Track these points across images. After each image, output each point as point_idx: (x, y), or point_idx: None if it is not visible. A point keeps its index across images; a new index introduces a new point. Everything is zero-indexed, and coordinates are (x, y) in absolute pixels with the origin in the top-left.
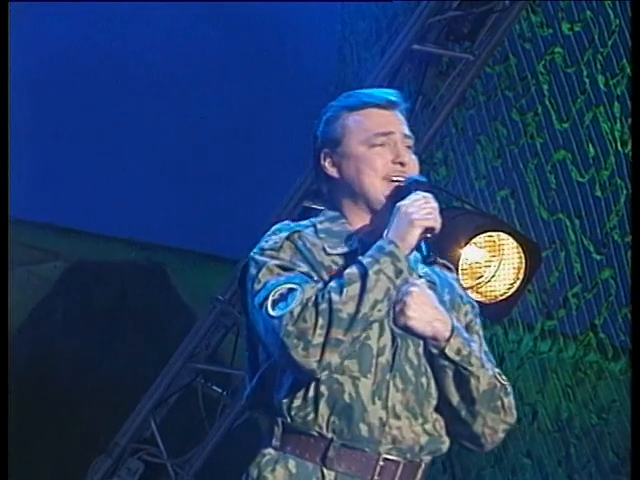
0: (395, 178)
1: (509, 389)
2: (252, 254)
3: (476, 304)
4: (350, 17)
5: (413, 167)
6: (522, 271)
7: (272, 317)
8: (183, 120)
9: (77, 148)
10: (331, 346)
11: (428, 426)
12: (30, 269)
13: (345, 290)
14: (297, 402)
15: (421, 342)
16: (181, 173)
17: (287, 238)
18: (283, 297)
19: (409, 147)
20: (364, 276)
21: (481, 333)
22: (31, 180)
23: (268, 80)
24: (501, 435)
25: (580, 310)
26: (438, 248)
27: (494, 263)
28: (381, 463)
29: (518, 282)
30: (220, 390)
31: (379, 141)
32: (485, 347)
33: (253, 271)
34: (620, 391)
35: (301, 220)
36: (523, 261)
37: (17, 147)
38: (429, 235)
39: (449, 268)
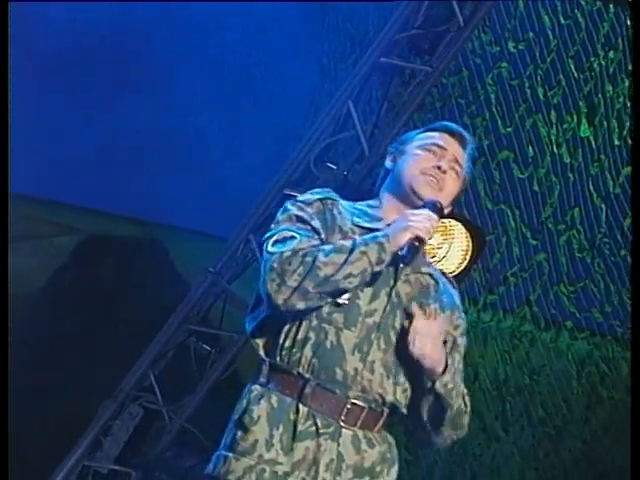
0: (430, 174)
1: (468, 408)
2: (287, 202)
3: (465, 323)
4: (329, 34)
5: (449, 179)
6: (469, 253)
7: (268, 252)
8: (188, 101)
9: (89, 134)
10: (299, 292)
11: (397, 388)
12: (50, 240)
13: (331, 255)
14: (288, 343)
15: (400, 313)
16: (182, 160)
17: (320, 200)
18: (283, 240)
19: (453, 169)
20: (351, 251)
21: (462, 352)
22: (51, 164)
23: (260, 82)
24: (448, 443)
25: (517, 287)
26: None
27: (445, 245)
28: (348, 406)
29: (465, 262)
30: (209, 348)
31: (432, 148)
32: (461, 366)
33: (280, 214)
34: (549, 357)
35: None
36: (470, 244)
37: (37, 135)
38: (416, 243)
39: (452, 283)
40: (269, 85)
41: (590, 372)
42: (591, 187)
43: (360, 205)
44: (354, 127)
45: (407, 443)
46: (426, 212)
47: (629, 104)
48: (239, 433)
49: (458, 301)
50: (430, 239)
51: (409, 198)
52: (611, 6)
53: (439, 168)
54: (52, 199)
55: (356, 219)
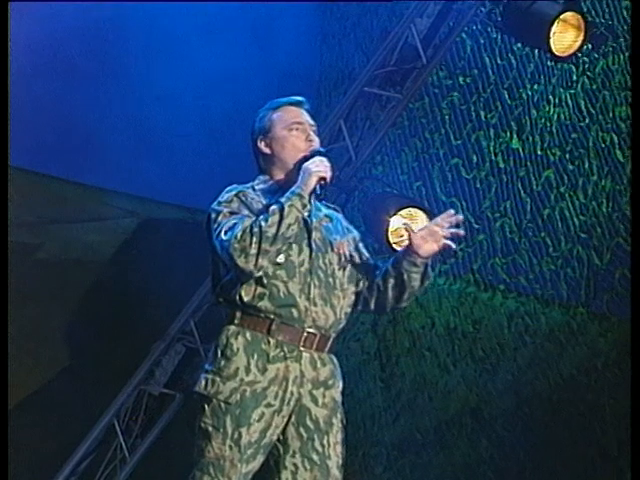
0: (306, 149)
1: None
2: (213, 206)
3: (358, 233)
4: (325, 68)
5: (317, 143)
6: None
7: (223, 240)
8: (217, 94)
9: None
10: (262, 254)
11: (335, 311)
12: (116, 221)
13: (270, 219)
14: (248, 298)
15: (327, 255)
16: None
17: (235, 195)
18: (230, 228)
19: (314, 130)
20: (282, 209)
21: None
22: (119, 161)
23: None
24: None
25: (464, 259)
26: (376, 218)
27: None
28: (305, 335)
29: None
30: None
31: (294, 127)
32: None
33: (213, 215)
34: (487, 311)
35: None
36: None
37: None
38: (322, 182)
39: (338, 210)
40: None
41: (517, 323)
42: (519, 185)
43: (257, 185)
44: (344, 139)
45: (381, 375)
46: (318, 158)
47: (552, 123)
48: (223, 362)
49: (344, 221)
50: (330, 175)
51: (292, 168)
52: (536, 51)
53: (310, 141)
54: (117, 189)
55: (263, 200)
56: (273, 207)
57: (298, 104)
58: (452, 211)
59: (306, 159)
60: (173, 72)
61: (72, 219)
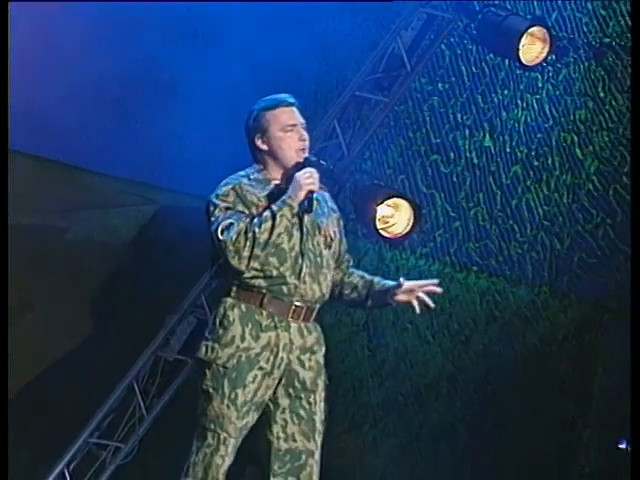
0: (301, 148)
1: None
2: (211, 197)
3: (339, 213)
4: (321, 74)
5: (308, 139)
6: (411, 220)
7: (220, 240)
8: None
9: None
10: (253, 257)
11: (321, 287)
12: (138, 208)
13: (263, 225)
14: (243, 277)
15: (316, 237)
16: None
17: (232, 188)
18: (226, 228)
19: (305, 128)
20: (274, 217)
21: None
22: (139, 153)
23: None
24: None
25: (442, 243)
26: (365, 206)
27: (396, 215)
28: (293, 307)
29: (409, 227)
30: None
31: (289, 128)
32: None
33: (211, 208)
34: (462, 289)
35: None
36: (412, 215)
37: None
38: (310, 195)
39: (324, 189)
40: None
41: (488, 300)
42: (490, 179)
43: (252, 175)
44: (337, 137)
45: (368, 345)
46: (309, 170)
47: (520, 125)
48: (221, 331)
49: (331, 201)
50: (318, 186)
51: (287, 165)
52: (506, 60)
53: (303, 140)
54: (136, 179)
55: (257, 192)
56: (266, 214)
57: (291, 105)
58: (436, 281)
59: (298, 164)
60: (192, 68)
61: (97, 205)
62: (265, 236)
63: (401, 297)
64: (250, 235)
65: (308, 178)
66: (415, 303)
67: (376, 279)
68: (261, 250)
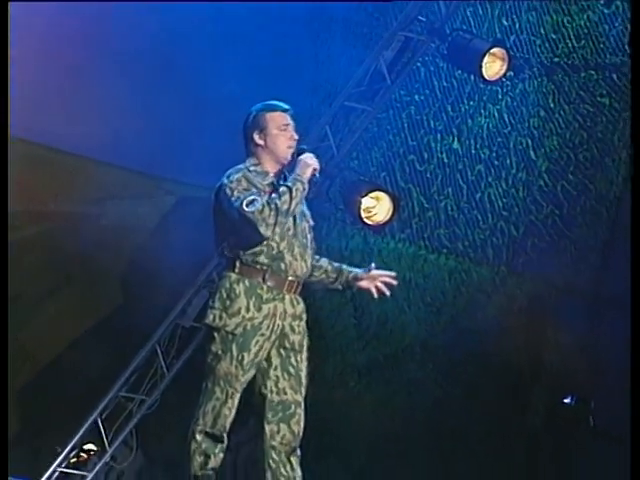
0: (291, 146)
1: None
2: (225, 183)
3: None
4: (315, 86)
5: (297, 140)
6: (391, 210)
7: (247, 212)
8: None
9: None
10: (278, 223)
11: (307, 264)
12: (160, 198)
13: (282, 197)
14: (249, 253)
15: (303, 223)
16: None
17: (243, 175)
18: (250, 202)
19: (295, 131)
20: (291, 191)
21: None
22: (162, 151)
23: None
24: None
25: (417, 229)
26: (351, 198)
27: (377, 206)
28: (287, 282)
29: (389, 216)
30: None
31: (283, 128)
32: None
33: (228, 192)
34: (433, 268)
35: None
36: (391, 206)
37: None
38: (315, 173)
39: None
40: None
41: (455, 277)
42: (458, 176)
43: (249, 168)
44: (329, 140)
45: (354, 314)
46: (309, 154)
47: (483, 130)
48: (228, 302)
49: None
50: (319, 167)
51: (281, 159)
52: (472, 76)
53: (294, 140)
54: (158, 174)
55: (257, 184)
56: (282, 189)
57: (286, 110)
58: (394, 274)
59: (294, 154)
60: (208, 74)
61: (127, 196)
62: (286, 206)
63: (364, 283)
64: (273, 205)
65: (312, 159)
66: (373, 290)
67: (344, 266)
68: (284, 217)
